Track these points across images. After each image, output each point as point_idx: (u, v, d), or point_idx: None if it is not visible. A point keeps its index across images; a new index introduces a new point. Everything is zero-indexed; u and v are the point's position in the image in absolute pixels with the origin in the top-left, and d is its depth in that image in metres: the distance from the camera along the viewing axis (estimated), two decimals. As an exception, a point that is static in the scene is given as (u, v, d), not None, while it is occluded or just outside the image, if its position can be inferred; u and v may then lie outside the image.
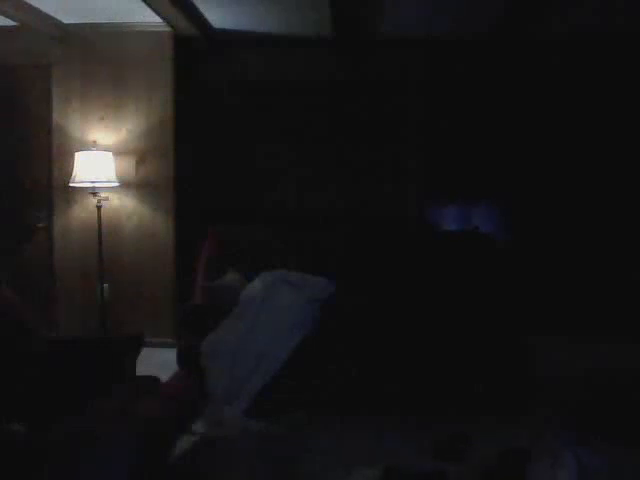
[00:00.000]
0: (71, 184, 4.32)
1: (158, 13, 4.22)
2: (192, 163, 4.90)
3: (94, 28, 4.56)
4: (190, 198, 4.84)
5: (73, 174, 4.29)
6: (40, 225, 4.63)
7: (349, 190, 5.02)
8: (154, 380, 2.60)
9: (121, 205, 4.61)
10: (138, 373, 2.69)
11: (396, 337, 3.40)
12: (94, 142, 4.50)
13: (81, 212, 4.59)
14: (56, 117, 4.59)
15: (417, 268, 4.04)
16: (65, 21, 4.49)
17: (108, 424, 2.07)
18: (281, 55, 4.99)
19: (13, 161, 4.64)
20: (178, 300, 4.51)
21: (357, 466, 2.65)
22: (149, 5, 4.04)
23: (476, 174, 4.96)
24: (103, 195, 4.38)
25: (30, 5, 4.04)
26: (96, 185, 4.30)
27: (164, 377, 2.69)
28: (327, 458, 2.74)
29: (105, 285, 4.50)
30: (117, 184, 4.42)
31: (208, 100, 4.98)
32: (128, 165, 4.60)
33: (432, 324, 3.47)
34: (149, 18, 4.33)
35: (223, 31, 4.75)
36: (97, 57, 4.59)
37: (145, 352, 2.80)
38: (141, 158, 4.62)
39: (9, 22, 4.30)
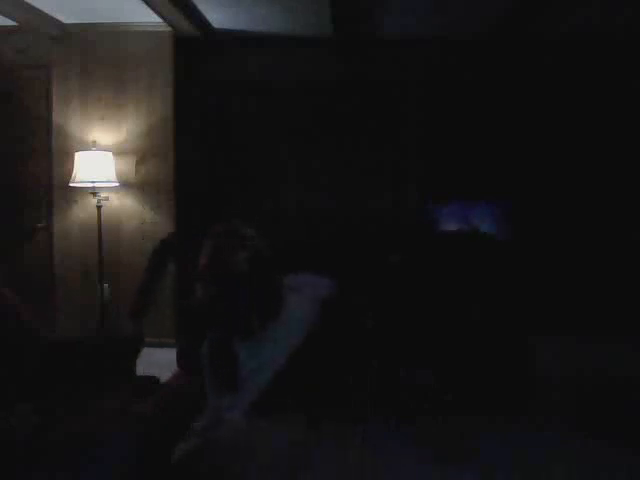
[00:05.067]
0: (71, 184, 4.32)
1: (158, 13, 4.22)
2: (192, 163, 4.89)
3: (94, 28, 4.56)
4: (190, 198, 4.84)
5: (73, 174, 4.29)
6: (40, 225, 4.63)
7: (349, 190, 5.02)
8: (154, 380, 2.60)
9: (121, 205, 4.61)
10: (138, 373, 2.69)
11: (396, 337, 3.40)
12: (94, 142, 4.50)
13: (81, 212, 4.59)
14: (56, 117, 4.59)
15: (417, 268, 4.03)
16: (65, 21, 4.49)
17: (108, 424, 2.07)
18: (281, 55, 4.99)
19: (13, 161, 4.64)
20: (178, 300, 4.51)
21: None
22: (149, 5, 4.04)
23: (476, 174, 4.95)
24: (103, 195, 4.39)
25: (30, 5, 4.04)
26: (96, 185, 4.30)
27: (164, 377, 2.69)
28: (326, 457, 2.74)
29: (105, 285, 4.50)
30: (117, 184, 4.42)
31: (208, 100, 4.98)
32: (128, 165, 4.60)
33: (432, 324, 3.46)
34: (149, 18, 4.34)
35: (223, 31, 4.75)
36: (97, 57, 4.59)
37: (145, 352, 2.80)
38: (141, 158, 4.62)
39: (9, 22, 4.30)
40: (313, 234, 4.73)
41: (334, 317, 3.42)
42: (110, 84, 4.59)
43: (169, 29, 4.56)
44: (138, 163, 4.62)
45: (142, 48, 4.59)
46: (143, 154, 4.62)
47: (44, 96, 4.61)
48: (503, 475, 2.59)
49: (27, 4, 4.02)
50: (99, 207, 4.38)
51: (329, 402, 3.18)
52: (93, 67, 4.59)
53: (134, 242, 4.63)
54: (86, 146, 4.48)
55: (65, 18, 4.45)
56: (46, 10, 4.22)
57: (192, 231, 3.83)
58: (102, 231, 4.40)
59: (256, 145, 5.03)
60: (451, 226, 4.97)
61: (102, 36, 4.58)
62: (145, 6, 4.05)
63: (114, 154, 4.45)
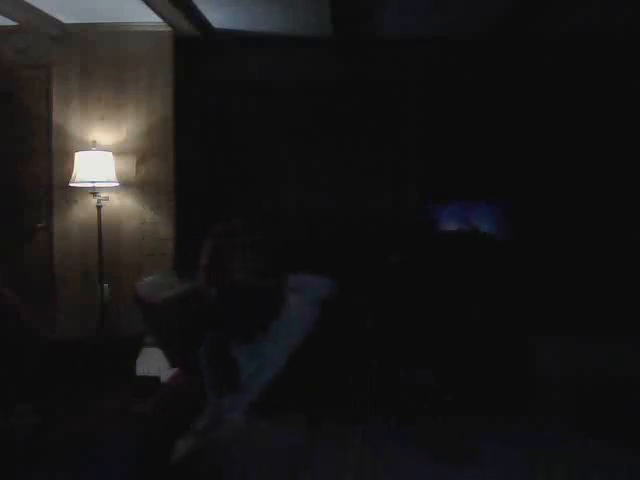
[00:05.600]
0: (71, 184, 4.32)
1: (158, 13, 4.22)
2: (192, 163, 4.90)
3: (94, 28, 4.56)
4: (190, 198, 4.84)
5: (73, 174, 4.29)
6: (40, 225, 4.63)
7: (349, 190, 5.02)
8: (154, 380, 2.60)
9: (121, 205, 4.61)
10: (138, 373, 2.69)
11: (396, 337, 3.40)
12: (94, 142, 4.50)
13: (81, 212, 4.58)
14: (56, 117, 4.59)
15: (417, 268, 4.03)
16: (65, 21, 4.49)
17: (108, 424, 2.07)
18: (281, 55, 4.99)
19: (13, 161, 4.64)
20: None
21: None
22: (149, 5, 4.04)
23: (476, 174, 4.95)
24: (103, 195, 4.38)
25: (30, 5, 4.04)
26: (96, 185, 4.30)
27: (164, 377, 2.69)
28: (326, 457, 2.74)
29: (105, 285, 4.50)
30: (117, 184, 4.42)
31: (208, 100, 4.98)
32: (128, 165, 4.60)
33: (432, 324, 3.46)
34: (149, 18, 4.33)
35: (223, 31, 4.75)
36: (97, 57, 4.59)
37: (145, 352, 2.80)
38: (141, 158, 4.62)
39: (9, 22, 4.30)
40: (313, 234, 4.73)
41: (334, 317, 3.43)
42: (110, 84, 4.59)
43: (169, 29, 4.56)
44: (138, 163, 4.61)
45: (142, 48, 4.58)
46: (143, 154, 4.62)
47: (44, 96, 4.60)
48: (503, 475, 2.60)
49: (27, 4, 4.01)
50: (99, 207, 4.38)
51: (329, 402, 3.18)
52: (93, 67, 4.59)
53: (134, 242, 4.63)
54: (86, 146, 4.47)
55: (65, 18, 4.45)
56: (46, 10, 4.21)
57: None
58: (102, 231, 4.40)
59: (256, 145, 5.03)
60: (451, 226, 4.97)
61: (102, 36, 4.58)
62: (145, 6, 4.05)
63: (114, 154, 4.45)
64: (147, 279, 3.35)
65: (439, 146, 5.02)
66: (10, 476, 1.81)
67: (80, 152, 4.34)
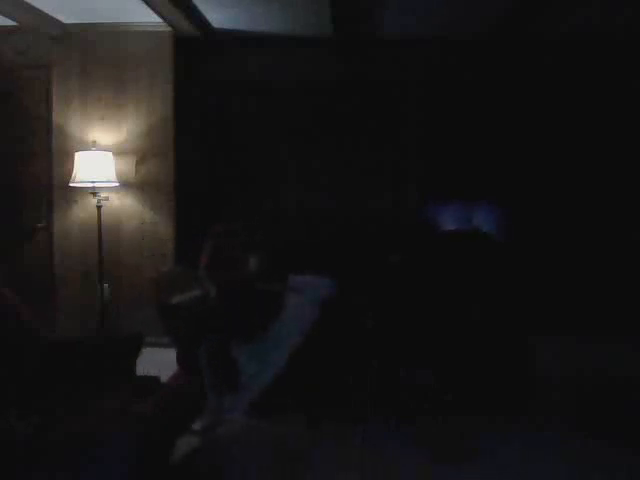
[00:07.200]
0: (71, 184, 4.32)
1: (158, 13, 4.22)
2: (192, 163, 4.90)
3: (94, 28, 4.56)
4: (190, 198, 4.84)
5: (73, 174, 4.29)
6: (40, 225, 4.63)
7: (349, 190, 5.03)
8: (154, 380, 2.60)
9: (121, 205, 4.61)
10: (138, 373, 2.69)
11: (396, 337, 3.40)
12: (94, 142, 4.50)
13: (81, 212, 4.58)
14: (56, 117, 4.59)
15: (417, 268, 4.03)
16: (65, 21, 4.49)
17: (108, 424, 2.07)
18: (281, 55, 4.99)
19: (13, 161, 4.64)
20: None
21: None
22: (149, 5, 4.04)
23: (476, 174, 4.96)
24: (103, 195, 4.38)
25: (30, 5, 4.04)
26: (96, 185, 4.30)
27: (164, 377, 2.69)
28: (326, 457, 2.74)
29: (105, 285, 4.50)
30: (117, 184, 4.42)
31: (208, 100, 4.98)
32: (128, 165, 4.60)
33: (432, 324, 3.46)
34: (149, 18, 4.34)
35: (223, 31, 4.75)
36: (97, 57, 4.59)
37: (145, 352, 2.80)
38: (141, 158, 4.62)
39: (9, 22, 4.30)
40: (313, 234, 4.73)
41: (334, 317, 3.43)
42: (110, 84, 4.59)
43: (169, 29, 4.56)
44: (138, 163, 4.62)
45: (142, 48, 4.58)
46: (143, 154, 4.62)
47: (44, 96, 4.60)
48: (503, 475, 2.60)
49: (27, 4, 4.01)
50: (99, 207, 4.38)
51: (329, 402, 3.18)
52: (93, 67, 4.59)
53: (134, 242, 4.63)
54: (86, 146, 4.47)
55: (65, 18, 4.45)
56: (46, 10, 4.22)
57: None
58: (102, 231, 4.40)
59: (256, 145, 5.03)
60: (451, 226, 4.96)
61: (102, 36, 4.58)
62: (145, 6, 4.05)
63: (114, 154, 4.45)
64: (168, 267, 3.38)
65: (439, 146, 5.02)
66: (10, 476, 1.81)
67: (80, 152, 4.34)
